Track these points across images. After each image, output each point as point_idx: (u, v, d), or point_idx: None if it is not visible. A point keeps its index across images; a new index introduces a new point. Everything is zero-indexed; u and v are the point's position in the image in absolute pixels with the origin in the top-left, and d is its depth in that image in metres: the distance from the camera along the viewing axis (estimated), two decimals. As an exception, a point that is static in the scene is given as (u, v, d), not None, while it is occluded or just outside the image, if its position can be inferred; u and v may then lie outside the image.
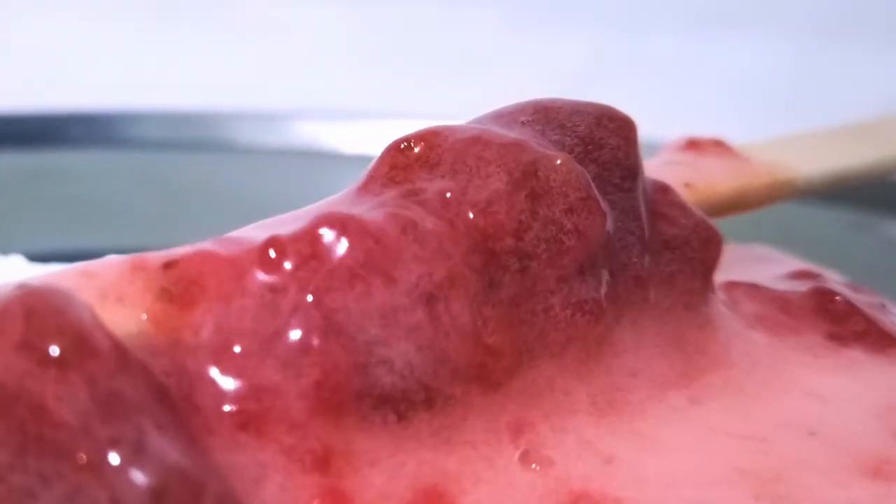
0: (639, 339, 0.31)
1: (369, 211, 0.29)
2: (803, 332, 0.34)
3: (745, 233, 0.41)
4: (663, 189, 0.33)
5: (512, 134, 0.30)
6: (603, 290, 0.30)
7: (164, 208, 0.65)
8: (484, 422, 0.28)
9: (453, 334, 0.27)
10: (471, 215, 0.29)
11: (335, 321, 0.27)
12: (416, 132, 0.30)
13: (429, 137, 0.30)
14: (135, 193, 0.67)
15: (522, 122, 0.32)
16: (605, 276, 0.30)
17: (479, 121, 0.32)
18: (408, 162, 0.30)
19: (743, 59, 0.98)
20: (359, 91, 0.90)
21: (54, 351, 0.24)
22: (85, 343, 0.24)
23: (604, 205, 0.30)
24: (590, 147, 0.32)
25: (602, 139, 0.32)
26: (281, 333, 0.26)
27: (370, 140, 0.72)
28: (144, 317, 0.27)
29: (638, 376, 0.30)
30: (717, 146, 0.39)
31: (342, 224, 0.28)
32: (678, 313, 0.32)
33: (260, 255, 0.27)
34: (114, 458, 0.23)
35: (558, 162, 0.30)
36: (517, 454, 0.28)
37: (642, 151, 0.33)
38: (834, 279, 0.37)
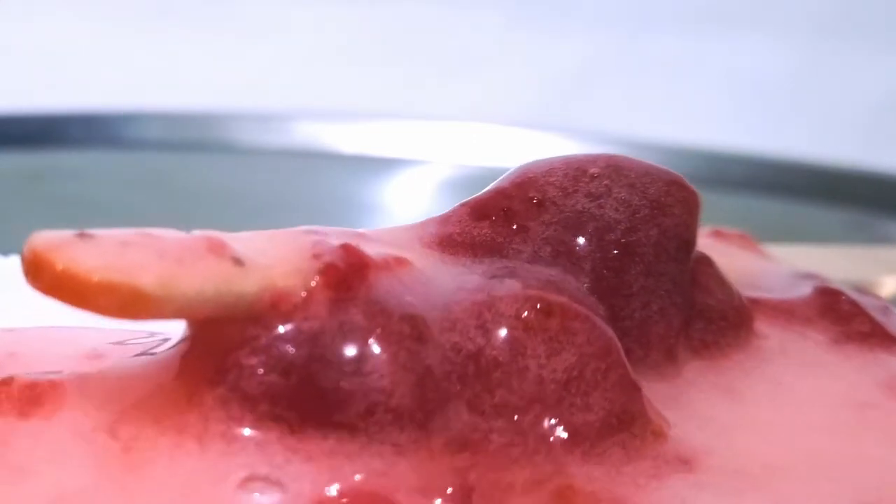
0: (676, 409, 0.31)
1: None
2: (810, 337, 0.34)
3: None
4: (705, 260, 0.33)
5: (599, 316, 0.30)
6: None
7: (164, 208, 0.65)
8: None
9: None
10: (539, 428, 0.28)
11: None
12: (561, 300, 0.29)
13: (571, 316, 0.29)
14: (135, 193, 0.67)
15: (592, 175, 0.32)
16: None
17: (550, 161, 0.32)
18: (534, 329, 0.29)
19: (743, 59, 0.98)
20: (359, 91, 0.90)
21: None
22: None
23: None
24: (656, 211, 0.32)
25: (669, 207, 0.32)
26: None
27: (370, 140, 0.72)
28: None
29: None
30: (741, 238, 0.39)
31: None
32: (710, 378, 0.32)
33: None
34: None
35: (653, 428, 0.29)
36: None
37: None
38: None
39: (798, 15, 1.01)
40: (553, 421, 0.28)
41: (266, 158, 0.71)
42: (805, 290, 0.36)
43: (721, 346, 0.33)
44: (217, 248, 0.28)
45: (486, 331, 0.28)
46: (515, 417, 0.28)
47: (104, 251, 0.26)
